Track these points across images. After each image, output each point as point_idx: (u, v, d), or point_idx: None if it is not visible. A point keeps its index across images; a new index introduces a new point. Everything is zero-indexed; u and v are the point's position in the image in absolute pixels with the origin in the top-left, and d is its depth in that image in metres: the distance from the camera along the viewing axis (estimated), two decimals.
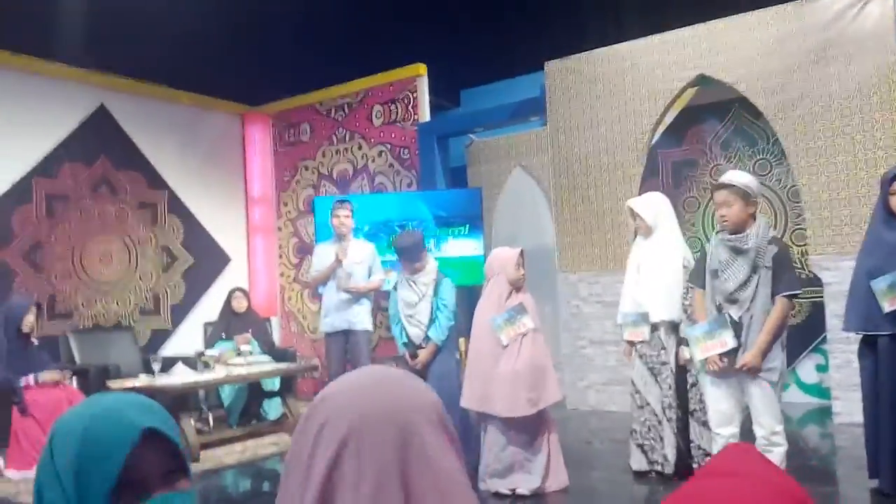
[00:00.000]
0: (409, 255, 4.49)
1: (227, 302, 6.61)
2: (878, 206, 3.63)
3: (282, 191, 8.75)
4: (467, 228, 6.94)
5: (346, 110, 8.23)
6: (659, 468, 4.14)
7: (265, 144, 8.78)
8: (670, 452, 4.10)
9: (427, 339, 4.36)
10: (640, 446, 4.21)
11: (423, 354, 4.32)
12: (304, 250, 8.45)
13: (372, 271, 5.55)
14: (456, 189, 7.65)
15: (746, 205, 3.38)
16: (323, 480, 0.75)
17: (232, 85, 8.14)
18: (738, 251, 3.40)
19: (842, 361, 5.28)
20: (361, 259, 5.50)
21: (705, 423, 3.84)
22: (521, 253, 4.14)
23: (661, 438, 4.13)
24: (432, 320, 4.38)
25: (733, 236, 3.42)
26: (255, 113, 8.78)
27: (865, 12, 5.38)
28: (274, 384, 6.28)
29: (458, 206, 7.00)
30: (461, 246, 6.91)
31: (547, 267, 7.09)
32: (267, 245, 8.69)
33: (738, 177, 3.47)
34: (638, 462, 4.22)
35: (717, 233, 3.55)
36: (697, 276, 3.65)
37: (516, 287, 4.09)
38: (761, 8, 5.81)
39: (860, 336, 3.69)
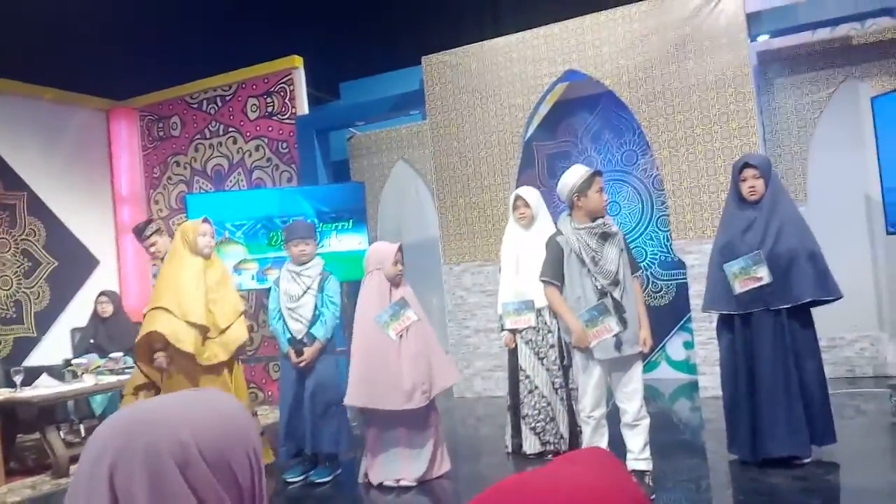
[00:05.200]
0: (298, 232, 4.37)
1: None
2: (731, 191, 3.90)
3: (152, 188, 8.37)
4: (351, 223, 6.89)
5: (219, 103, 7.96)
6: (552, 448, 4.29)
7: (132, 140, 8.36)
8: (565, 431, 4.28)
9: (311, 336, 4.28)
10: (533, 429, 4.34)
11: (308, 353, 4.23)
12: None
13: None
14: (338, 184, 7.58)
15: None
16: None
17: (95, 79, 7.71)
18: (606, 236, 3.56)
19: (705, 339, 5.64)
20: None
21: None
22: (400, 248, 4.14)
23: (553, 419, 4.29)
24: (317, 317, 4.30)
25: (596, 223, 3.57)
26: (120, 107, 8.34)
27: (719, 9, 5.74)
28: None
29: (341, 200, 6.94)
30: (345, 241, 6.86)
31: (432, 258, 7.17)
32: (138, 245, 8.25)
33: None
34: (532, 445, 4.34)
35: (570, 223, 3.63)
36: (554, 271, 3.61)
37: (394, 283, 4.09)
38: (625, 5, 6.09)
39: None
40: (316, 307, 4.28)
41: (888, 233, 5.22)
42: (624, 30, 6.06)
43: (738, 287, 3.69)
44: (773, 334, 3.67)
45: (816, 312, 3.79)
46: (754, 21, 5.78)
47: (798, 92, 6.20)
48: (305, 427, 4.26)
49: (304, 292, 4.29)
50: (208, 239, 4.40)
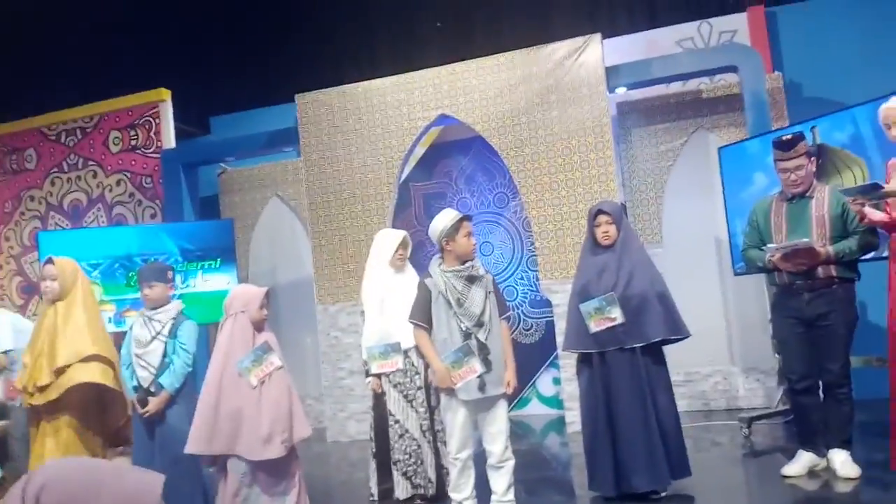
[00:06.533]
0: (142, 275, 4.20)
1: None
2: (587, 236, 4.09)
3: (3, 224, 7.81)
4: (219, 262, 6.67)
5: (79, 135, 7.57)
6: (422, 492, 4.23)
7: None
8: (433, 474, 4.23)
9: (159, 385, 4.04)
10: (405, 474, 4.26)
11: (152, 404, 3.99)
12: (31, 290, 7.59)
13: None
14: (205, 221, 7.32)
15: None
16: None
17: None
18: (472, 279, 3.63)
19: (570, 374, 5.79)
20: None
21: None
22: (268, 293, 4.02)
23: (422, 461, 4.24)
24: (166, 365, 4.07)
25: (463, 266, 3.63)
26: None
27: (581, 62, 6.05)
28: None
29: (208, 238, 6.69)
30: (212, 281, 6.62)
31: (307, 297, 7.03)
32: None
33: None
34: (403, 490, 4.25)
35: (439, 266, 3.70)
36: (422, 313, 3.67)
37: (258, 328, 3.96)
38: (494, 54, 6.31)
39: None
40: (165, 354, 4.06)
41: (735, 273, 5.59)
42: (493, 78, 6.27)
43: (594, 326, 3.84)
44: (628, 372, 3.82)
45: (673, 348, 3.99)
46: (613, 74, 6.13)
47: (653, 141, 6.60)
48: None
49: (154, 338, 4.06)
50: (47, 282, 4.09)
